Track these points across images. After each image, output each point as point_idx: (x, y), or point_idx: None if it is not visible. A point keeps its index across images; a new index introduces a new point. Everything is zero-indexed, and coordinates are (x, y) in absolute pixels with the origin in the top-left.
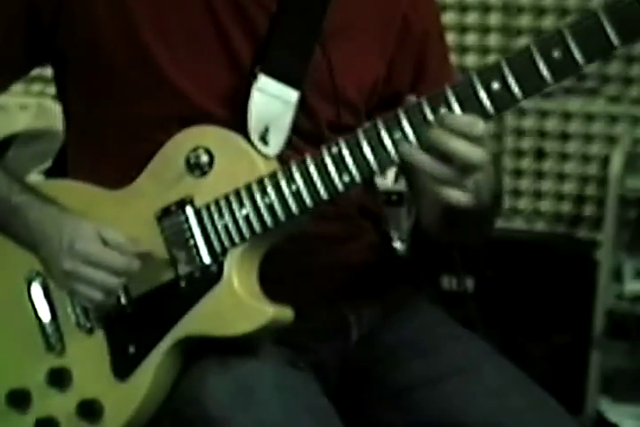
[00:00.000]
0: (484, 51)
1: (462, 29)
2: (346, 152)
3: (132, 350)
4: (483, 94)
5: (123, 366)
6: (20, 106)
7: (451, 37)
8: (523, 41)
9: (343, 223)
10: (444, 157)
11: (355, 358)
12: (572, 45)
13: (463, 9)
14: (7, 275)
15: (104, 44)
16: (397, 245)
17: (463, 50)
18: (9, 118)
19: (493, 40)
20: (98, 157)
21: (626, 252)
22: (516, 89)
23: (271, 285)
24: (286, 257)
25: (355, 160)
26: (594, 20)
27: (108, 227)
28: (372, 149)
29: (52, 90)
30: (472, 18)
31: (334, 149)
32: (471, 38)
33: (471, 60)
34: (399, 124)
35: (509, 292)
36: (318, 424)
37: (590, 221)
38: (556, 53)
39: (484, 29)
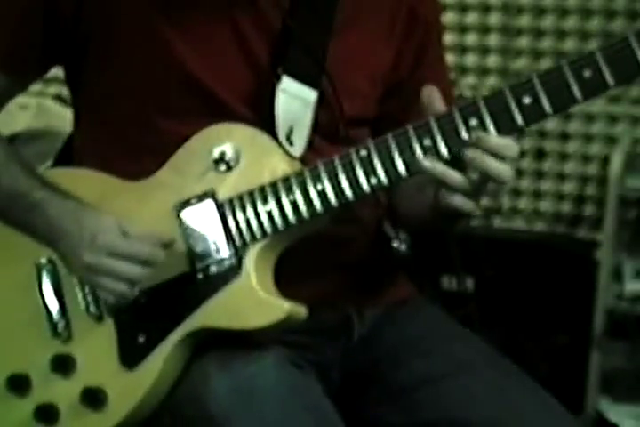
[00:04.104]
0: (484, 51)
1: (462, 29)
2: (375, 156)
3: (141, 339)
4: (514, 108)
5: (131, 356)
6: (20, 106)
7: (451, 37)
8: (523, 41)
9: (345, 223)
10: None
11: (356, 358)
12: (603, 67)
13: (463, 9)
14: (17, 260)
15: (125, 39)
16: (397, 244)
17: (463, 50)
18: (9, 118)
19: (493, 40)
20: (110, 151)
21: (626, 252)
22: (545, 104)
23: (274, 284)
24: (289, 257)
25: (383, 164)
26: (625, 43)
27: (129, 221)
28: (401, 155)
29: (52, 90)
30: (472, 18)
31: (363, 152)
32: (471, 38)
33: (471, 60)
34: (430, 131)
35: (509, 292)
36: (319, 424)
37: (590, 221)
38: (587, 73)
39: (484, 29)
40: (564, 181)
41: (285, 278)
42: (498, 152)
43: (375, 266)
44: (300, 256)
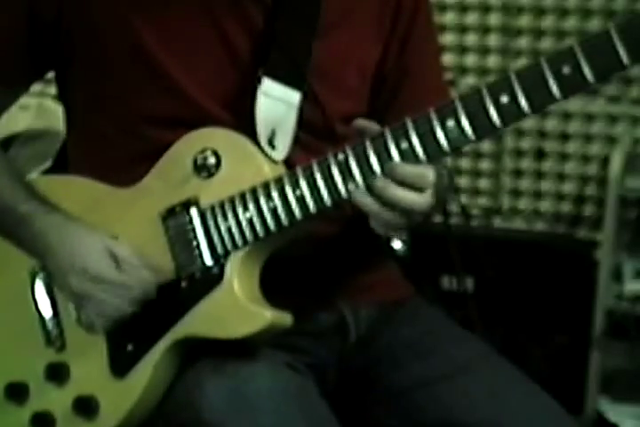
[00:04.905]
0: (484, 51)
1: (462, 29)
2: (352, 160)
3: (130, 348)
4: (491, 107)
5: (120, 364)
6: (20, 106)
7: (451, 38)
8: (523, 41)
9: (341, 223)
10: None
11: (353, 359)
12: (583, 62)
13: (463, 9)
14: (12, 269)
15: (105, 44)
16: (397, 245)
17: (463, 50)
18: (9, 118)
19: (493, 40)
20: (99, 156)
21: (626, 252)
22: (523, 103)
23: (269, 286)
24: (284, 258)
25: (360, 168)
26: (605, 37)
27: (115, 242)
28: (379, 158)
29: (52, 90)
30: (472, 18)
31: (341, 157)
32: (471, 38)
33: (471, 60)
34: (406, 133)
35: (509, 292)
36: None
37: (590, 221)
38: (566, 69)
39: (484, 29)
40: (563, 181)
41: (278, 281)
42: (412, 182)
43: (371, 266)
44: (292, 258)
